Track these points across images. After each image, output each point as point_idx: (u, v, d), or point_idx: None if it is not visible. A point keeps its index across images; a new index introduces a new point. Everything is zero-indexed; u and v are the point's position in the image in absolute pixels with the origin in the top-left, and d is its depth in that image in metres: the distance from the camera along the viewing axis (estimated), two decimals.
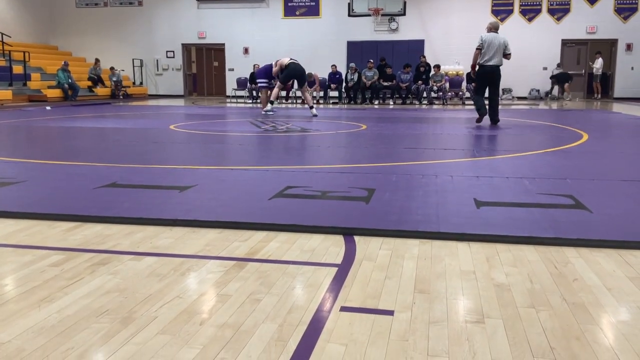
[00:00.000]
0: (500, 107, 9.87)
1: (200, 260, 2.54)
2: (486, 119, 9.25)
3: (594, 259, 2.56)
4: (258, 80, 12.91)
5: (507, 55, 9.00)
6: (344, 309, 2.01)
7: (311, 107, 12.18)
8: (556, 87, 18.60)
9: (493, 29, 9.03)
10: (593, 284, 2.26)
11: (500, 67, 9.01)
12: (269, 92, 12.42)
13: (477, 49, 8.89)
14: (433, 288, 2.21)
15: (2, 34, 17.67)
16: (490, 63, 8.87)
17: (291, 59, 12.20)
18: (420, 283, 2.26)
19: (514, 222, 3.08)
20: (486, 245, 2.75)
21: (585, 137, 7.35)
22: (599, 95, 18.57)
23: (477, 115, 9.44)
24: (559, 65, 18.47)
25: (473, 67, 9.13)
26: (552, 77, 18.41)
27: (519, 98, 19.05)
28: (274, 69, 12.27)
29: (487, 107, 9.19)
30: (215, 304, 2.07)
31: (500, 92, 18.82)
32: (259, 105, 16.06)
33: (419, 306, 2.04)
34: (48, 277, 2.32)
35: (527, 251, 2.66)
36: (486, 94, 9.19)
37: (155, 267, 2.45)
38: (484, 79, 9.08)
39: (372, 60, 17.27)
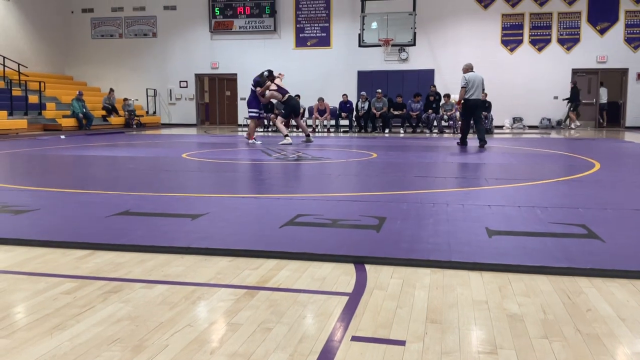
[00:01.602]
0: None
1: (211, 289, 2.55)
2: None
3: (607, 289, 2.53)
4: (252, 110, 12.01)
5: (483, 90, 10.93)
6: (355, 338, 2.00)
7: (307, 135, 12.36)
8: (567, 112, 18.59)
9: (470, 69, 10.85)
10: (607, 314, 2.23)
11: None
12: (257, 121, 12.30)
13: (462, 87, 10.63)
14: (445, 318, 2.20)
15: (19, 64, 18.05)
16: (474, 97, 10.62)
17: (287, 93, 11.90)
18: (432, 313, 2.25)
19: (526, 252, 3.06)
20: (498, 274, 2.74)
21: (597, 166, 7.32)
22: (605, 123, 18.75)
23: (471, 141, 11.28)
24: (575, 84, 18.45)
25: (459, 102, 10.90)
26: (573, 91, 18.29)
27: (530, 127, 19.06)
28: (265, 99, 12.09)
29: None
30: (226, 332, 2.07)
31: (511, 120, 18.98)
32: (270, 134, 16.19)
33: (431, 336, 2.02)
34: (60, 305, 2.33)
35: (540, 281, 2.64)
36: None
37: (167, 295, 2.46)
38: (470, 110, 10.82)
39: (380, 91, 17.41)
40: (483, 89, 10.79)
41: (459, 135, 11.56)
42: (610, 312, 2.25)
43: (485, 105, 16.99)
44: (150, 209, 4.31)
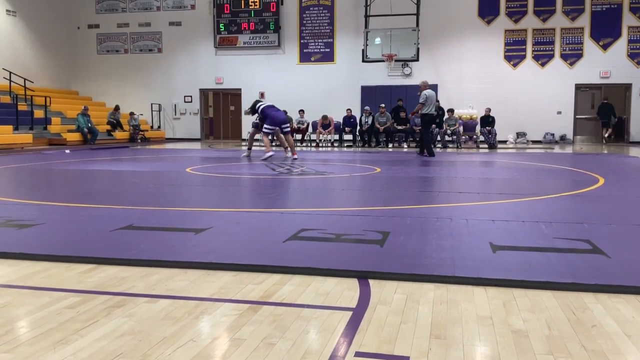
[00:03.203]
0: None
1: (214, 303, 2.54)
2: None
3: (613, 304, 2.52)
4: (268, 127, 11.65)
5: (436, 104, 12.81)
6: (358, 354, 1.99)
7: (248, 149, 12.41)
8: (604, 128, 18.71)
9: (428, 86, 12.25)
10: (612, 330, 2.22)
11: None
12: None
13: (421, 103, 11.96)
14: (449, 333, 2.19)
15: (25, 79, 18.19)
16: (430, 112, 12.13)
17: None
18: (436, 328, 2.24)
19: (530, 267, 3.05)
20: (503, 290, 2.72)
21: (602, 181, 7.31)
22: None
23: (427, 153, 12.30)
24: (606, 100, 18.54)
25: (414, 113, 12.51)
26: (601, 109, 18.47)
27: (534, 142, 19.07)
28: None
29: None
30: (229, 347, 2.06)
31: (515, 135, 19.03)
32: (280, 149, 16.22)
33: (435, 352, 2.01)
34: (64, 320, 2.33)
35: (545, 296, 2.63)
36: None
37: (170, 310, 2.45)
38: (429, 123, 12.53)
39: (383, 105, 17.47)
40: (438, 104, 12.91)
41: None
42: (616, 328, 2.23)
43: (489, 120, 17.06)
44: (154, 224, 4.31)
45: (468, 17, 19.41)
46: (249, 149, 12.65)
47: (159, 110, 22.12)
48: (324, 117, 17.86)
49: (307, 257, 3.26)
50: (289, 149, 12.17)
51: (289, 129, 11.91)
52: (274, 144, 17.95)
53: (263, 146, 12.28)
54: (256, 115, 12.39)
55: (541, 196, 5.88)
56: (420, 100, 11.95)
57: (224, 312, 2.43)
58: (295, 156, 11.38)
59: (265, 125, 11.64)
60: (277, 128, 11.76)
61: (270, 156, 11.21)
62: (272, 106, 11.89)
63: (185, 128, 22.15)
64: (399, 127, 17.41)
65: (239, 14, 21.01)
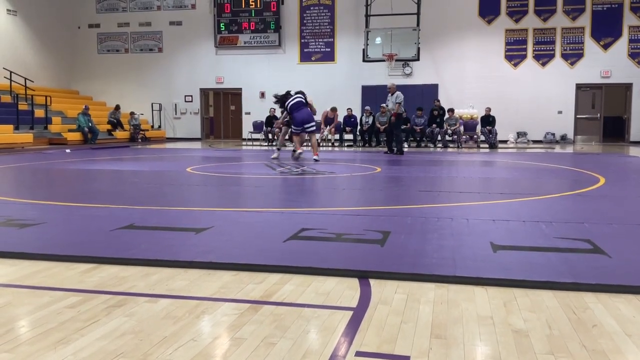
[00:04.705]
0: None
1: (215, 303, 2.54)
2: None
3: (613, 304, 2.51)
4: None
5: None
6: (359, 353, 1.99)
7: (278, 149, 11.91)
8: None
9: (396, 89, 12.99)
10: (613, 330, 2.21)
11: None
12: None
13: (399, 103, 12.63)
14: (450, 333, 2.19)
15: (25, 78, 18.19)
16: (402, 111, 13.02)
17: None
18: (436, 328, 2.24)
19: (531, 267, 3.04)
20: (503, 289, 2.72)
21: (602, 180, 7.30)
22: None
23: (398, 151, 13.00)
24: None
25: (395, 114, 12.69)
26: None
27: (535, 141, 19.06)
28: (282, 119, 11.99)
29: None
30: (230, 347, 2.06)
31: (516, 135, 19.03)
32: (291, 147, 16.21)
33: (436, 352, 2.01)
34: (64, 319, 2.33)
35: (545, 296, 2.62)
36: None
37: (171, 310, 2.45)
38: (402, 122, 13.45)
39: (384, 105, 17.45)
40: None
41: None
42: (616, 328, 2.23)
43: (489, 120, 17.06)
44: (155, 223, 4.31)
45: (469, 17, 19.40)
46: (279, 149, 11.77)
47: (160, 110, 22.11)
48: (333, 109, 17.69)
49: (307, 257, 3.25)
50: (282, 148, 12.22)
51: (313, 128, 11.34)
52: (273, 141, 18.01)
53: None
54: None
55: (542, 196, 5.87)
56: (398, 100, 12.58)
57: (225, 311, 2.43)
58: (316, 157, 10.86)
59: (292, 127, 11.40)
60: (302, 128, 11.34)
61: (300, 154, 11.03)
62: (299, 104, 11.19)
63: (185, 128, 22.14)
64: None
65: (240, 14, 21.00)
